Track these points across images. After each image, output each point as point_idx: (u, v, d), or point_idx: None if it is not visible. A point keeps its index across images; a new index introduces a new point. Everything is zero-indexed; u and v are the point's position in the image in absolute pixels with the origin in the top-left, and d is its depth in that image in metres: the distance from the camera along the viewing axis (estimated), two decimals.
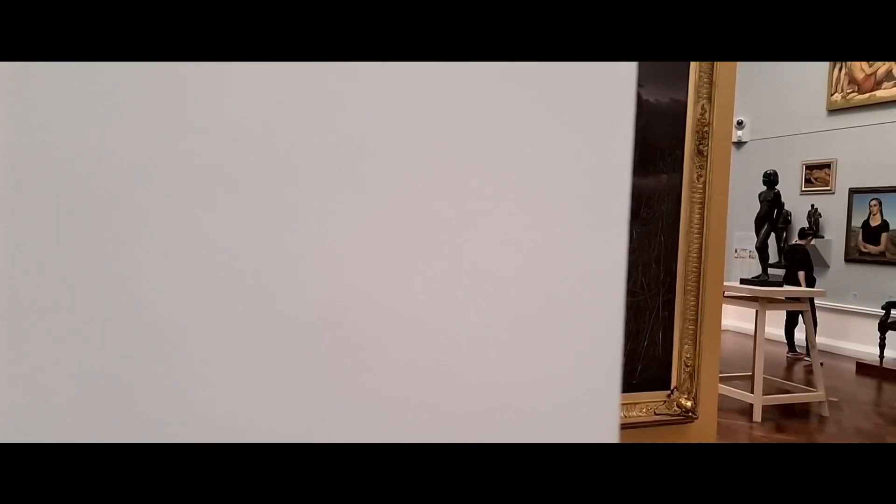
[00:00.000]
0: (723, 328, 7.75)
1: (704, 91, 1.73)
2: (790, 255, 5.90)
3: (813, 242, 6.15)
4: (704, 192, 1.74)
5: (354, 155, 0.28)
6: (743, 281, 4.49)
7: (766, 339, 6.48)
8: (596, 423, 0.32)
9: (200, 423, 0.28)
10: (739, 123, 7.72)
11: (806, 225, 6.77)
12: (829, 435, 3.77)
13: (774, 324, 6.39)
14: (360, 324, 0.29)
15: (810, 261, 5.91)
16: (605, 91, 0.31)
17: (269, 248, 0.27)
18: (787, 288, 4.58)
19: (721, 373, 4.61)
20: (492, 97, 0.30)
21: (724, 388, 4.19)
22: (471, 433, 0.30)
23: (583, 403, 0.32)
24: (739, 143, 7.81)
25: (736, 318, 7.21)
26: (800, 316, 5.65)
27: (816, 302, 5.80)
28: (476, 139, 0.30)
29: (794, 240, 6.32)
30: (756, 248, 4.59)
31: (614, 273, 0.32)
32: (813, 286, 5.74)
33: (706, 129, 1.73)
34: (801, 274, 5.70)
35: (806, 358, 5.82)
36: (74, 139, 0.26)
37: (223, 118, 0.27)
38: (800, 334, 5.40)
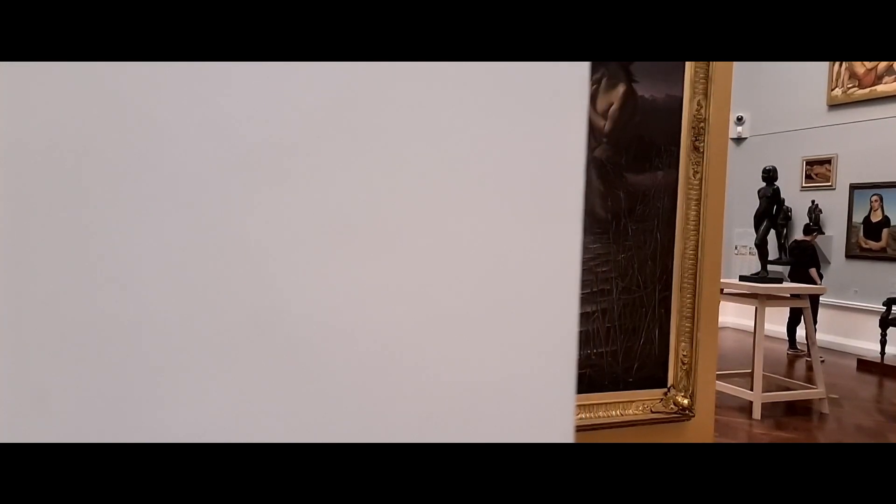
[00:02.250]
0: (723, 325, 7.76)
1: (700, 87, 1.71)
2: (798, 252, 5.88)
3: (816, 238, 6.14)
4: (701, 189, 1.73)
5: (288, 152, 0.27)
6: (742, 278, 4.48)
7: (768, 336, 6.49)
8: (550, 423, 0.32)
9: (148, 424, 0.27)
10: (739, 119, 7.70)
11: (807, 221, 6.76)
12: (829, 432, 3.76)
13: (776, 321, 6.38)
14: (296, 328, 0.28)
15: (818, 257, 5.89)
16: (558, 90, 0.31)
17: (197, 250, 0.26)
18: (786, 285, 4.57)
19: (721, 370, 4.61)
20: (440, 95, 0.29)
21: (724, 386, 4.18)
22: (413, 435, 0.30)
23: (537, 404, 0.31)
24: (739, 140, 7.79)
25: (736, 315, 7.20)
26: (814, 312, 5.65)
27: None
28: (423, 137, 0.29)
29: (796, 236, 6.31)
30: (755, 244, 4.57)
31: (568, 272, 0.31)
32: (821, 282, 5.74)
33: (702, 125, 1.72)
34: (813, 270, 5.69)
35: (809, 356, 5.81)
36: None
37: (143, 116, 0.26)
38: (802, 331, 5.39)
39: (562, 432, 0.32)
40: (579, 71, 0.31)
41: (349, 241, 0.28)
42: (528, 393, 0.31)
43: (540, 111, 0.30)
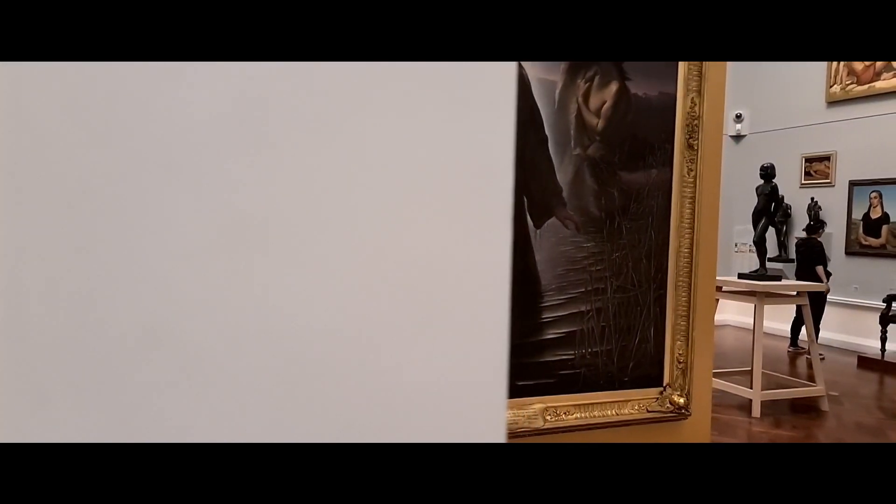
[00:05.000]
0: (724, 323, 7.75)
1: (694, 84, 1.71)
2: (805, 250, 5.85)
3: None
4: (695, 187, 1.72)
5: (193, 152, 0.27)
6: (741, 275, 4.47)
7: (773, 334, 6.48)
8: (481, 423, 0.31)
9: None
10: (738, 117, 7.69)
11: (806, 218, 6.74)
12: (829, 430, 3.75)
13: (778, 318, 6.37)
14: (197, 336, 0.27)
15: (825, 255, 5.87)
16: (485, 90, 0.30)
17: (91, 256, 0.26)
18: (785, 282, 4.56)
19: (721, 368, 4.60)
20: (362, 96, 0.29)
21: (724, 384, 4.18)
22: (333, 436, 0.29)
23: (467, 405, 0.31)
24: (738, 137, 7.78)
25: (737, 313, 7.19)
26: (820, 310, 5.63)
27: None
28: (342, 137, 0.29)
29: (796, 233, 6.30)
30: (754, 241, 4.56)
31: (497, 273, 0.30)
32: (828, 280, 5.72)
33: (696, 122, 1.71)
34: (820, 268, 5.67)
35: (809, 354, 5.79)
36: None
37: (32, 115, 0.25)
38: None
39: (493, 433, 0.31)
40: (506, 71, 0.30)
41: (258, 245, 0.28)
42: (459, 394, 0.31)
43: (466, 112, 0.30)
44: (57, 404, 0.26)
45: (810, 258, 5.77)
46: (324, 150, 0.28)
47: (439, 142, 0.30)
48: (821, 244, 5.88)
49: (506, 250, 0.31)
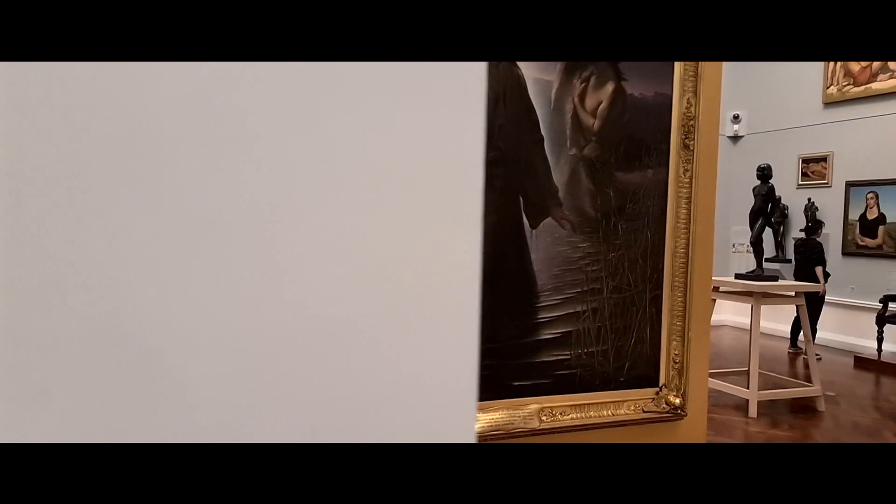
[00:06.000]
0: (722, 323, 7.73)
1: (690, 85, 1.71)
2: (805, 251, 5.85)
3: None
4: (691, 187, 1.72)
5: (145, 148, 0.26)
6: (738, 275, 4.48)
7: (773, 334, 6.48)
8: (452, 423, 0.31)
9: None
10: (736, 117, 7.70)
11: (803, 218, 6.75)
12: (825, 430, 3.75)
13: (777, 319, 6.37)
14: (147, 336, 0.27)
15: (824, 255, 5.88)
16: (456, 90, 0.30)
17: (33, 253, 0.25)
18: (781, 282, 4.56)
19: (719, 368, 4.61)
20: (332, 96, 0.28)
21: (721, 384, 4.18)
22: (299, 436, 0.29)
23: (437, 404, 0.31)
24: (736, 137, 7.79)
25: (735, 314, 7.20)
26: (817, 310, 5.62)
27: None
28: (310, 136, 0.28)
29: (793, 234, 6.30)
30: (751, 242, 4.56)
31: (468, 272, 0.30)
32: (826, 281, 5.72)
33: (692, 123, 1.71)
34: (819, 269, 5.67)
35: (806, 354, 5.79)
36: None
37: None
38: None
39: (464, 432, 0.31)
40: (476, 70, 0.30)
41: (224, 244, 0.27)
42: (430, 394, 0.31)
43: (436, 111, 0.30)
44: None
45: (810, 259, 5.77)
46: (292, 150, 0.28)
47: (409, 142, 0.30)
48: (820, 245, 5.89)
49: (476, 250, 0.31)
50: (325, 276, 0.29)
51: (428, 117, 0.30)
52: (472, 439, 0.31)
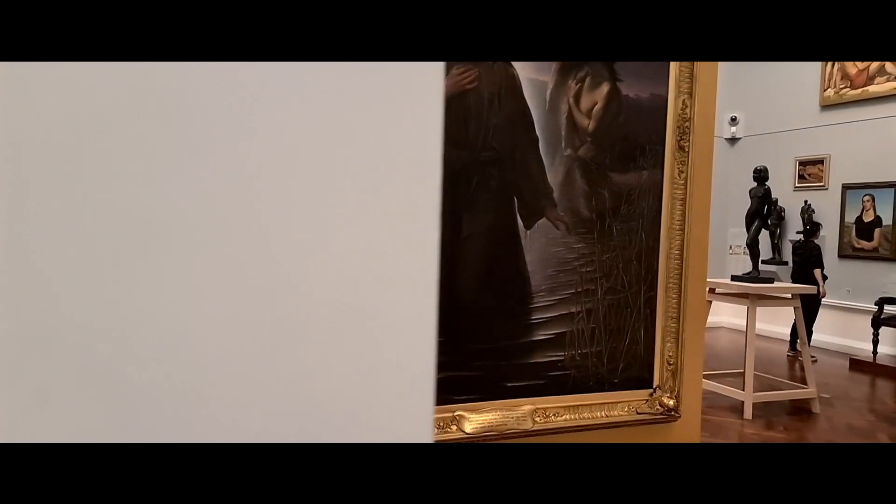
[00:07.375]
0: (719, 325, 7.70)
1: (685, 86, 1.71)
2: (803, 253, 5.85)
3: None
4: (686, 188, 1.72)
5: (85, 144, 0.26)
6: (734, 277, 4.48)
7: (771, 337, 6.48)
8: (409, 423, 0.31)
9: None
10: (733, 120, 7.71)
11: (799, 220, 6.76)
12: (820, 432, 3.76)
13: (776, 321, 6.38)
14: (92, 342, 0.26)
15: (822, 258, 5.88)
16: (413, 90, 0.30)
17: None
18: (777, 285, 4.57)
19: (715, 370, 4.60)
20: (287, 94, 0.28)
21: (716, 386, 4.18)
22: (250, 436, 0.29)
23: (394, 405, 0.31)
24: (733, 140, 7.80)
25: (731, 315, 7.21)
26: (814, 312, 5.62)
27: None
28: (262, 136, 0.28)
29: (790, 236, 6.30)
30: (747, 244, 4.57)
31: (424, 274, 0.30)
32: (824, 283, 5.73)
33: (687, 124, 1.71)
34: (818, 271, 5.67)
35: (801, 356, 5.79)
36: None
37: None
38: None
39: (422, 432, 0.31)
40: (433, 70, 0.30)
41: (174, 247, 0.27)
42: (387, 395, 0.30)
43: (392, 111, 0.30)
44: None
45: (808, 261, 5.77)
46: (248, 151, 0.28)
47: (365, 142, 0.30)
48: (819, 247, 5.90)
49: (433, 251, 0.31)
50: (279, 277, 0.29)
51: (385, 117, 0.30)
52: (428, 439, 0.31)
